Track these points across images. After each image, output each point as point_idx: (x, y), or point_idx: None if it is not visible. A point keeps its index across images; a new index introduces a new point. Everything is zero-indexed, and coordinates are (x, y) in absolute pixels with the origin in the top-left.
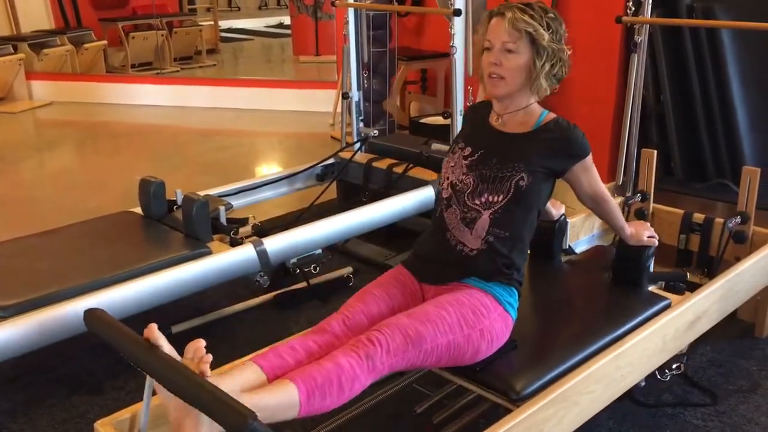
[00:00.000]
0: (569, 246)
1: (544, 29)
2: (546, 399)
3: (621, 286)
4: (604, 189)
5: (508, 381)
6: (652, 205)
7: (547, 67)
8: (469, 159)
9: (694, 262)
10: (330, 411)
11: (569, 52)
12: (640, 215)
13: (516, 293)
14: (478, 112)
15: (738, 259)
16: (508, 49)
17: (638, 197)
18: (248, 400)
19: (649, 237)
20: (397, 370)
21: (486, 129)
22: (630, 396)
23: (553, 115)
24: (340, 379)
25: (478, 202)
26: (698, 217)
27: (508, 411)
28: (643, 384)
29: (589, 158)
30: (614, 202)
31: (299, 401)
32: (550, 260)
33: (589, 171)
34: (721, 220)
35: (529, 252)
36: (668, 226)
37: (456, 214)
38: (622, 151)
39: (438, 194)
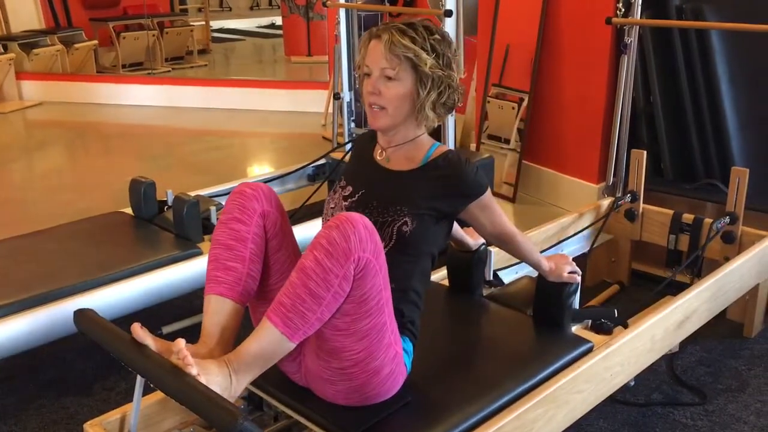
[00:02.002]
0: (495, 275)
1: (427, 53)
2: None
3: (540, 327)
4: (508, 226)
5: None
6: (641, 205)
7: (433, 95)
8: (349, 200)
9: (683, 262)
10: (325, 320)
11: (461, 77)
12: (630, 215)
13: (410, 343)
14: (363, 144)
15: (727, 259)
16: (387, 76)
17: (628, 198)
18: (237, 362)
19: (569, 273)
20: (364, 275)
21: (369, 165)
22: (620, 395)
23: (444, 149)
24: (309, 287)
25: None
26: (687, 217)
27: None
28: (632, 383)
29: (487, 196)
30: (523, 238)
31: (282, 334)
32: (470, 294)
33: (488, 210)
34: (711, 221)
35: (447, 283)
36: (658, 226)
37: None
38: (612, 152)
39: None
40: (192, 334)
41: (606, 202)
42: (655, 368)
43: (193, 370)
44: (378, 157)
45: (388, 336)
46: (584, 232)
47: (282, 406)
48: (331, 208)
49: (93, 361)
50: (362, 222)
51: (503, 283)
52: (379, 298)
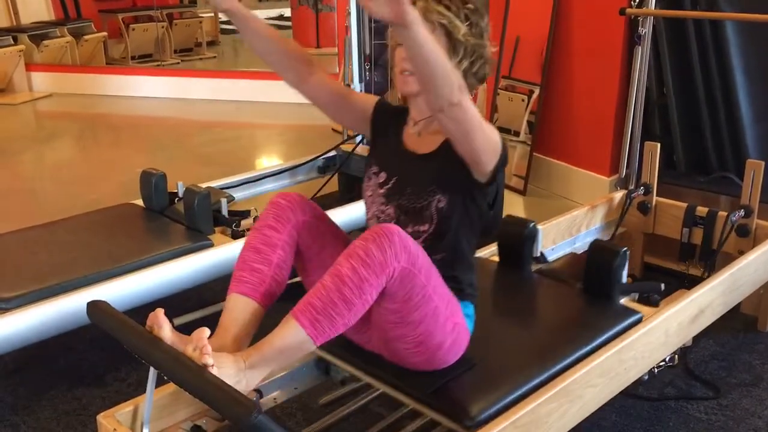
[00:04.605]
0: (541, 253)
1: (460, 21)
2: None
3: (591, 299)
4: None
5: (463, 405)
6: (655, 198)
7: (465, 63)
8: (385, 188)
9: (697, 256)
10: (352, 325)
11: (493, 49)
12: (643, 208)
13: (471, 306)
14: (390, 119)
15: (741, 253)
16: None
17: (641, 190)
18: (259, 355)
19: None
20: (401, 280)
21: (398, 150)
22: (633, 390)
23: None
24: (343, 293)
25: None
26: (701, 210)
27: None
28: (646, 378)
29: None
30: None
31: (307, 335)
32: (520, 269)
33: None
34: (725, 214)
35: (498, 259)
36: (671, 219)
37: None
38: (625, 144)
39: (366, 225)
40: (203, 326)
41: (618, 195)
42: (669, 362)
43: (209, 360)
44: (409, 131)
45: (443, 314)
46: (598, 225)
47: (352, 368)
48: (369, 196)
49: (105, 352)
50: (397, 234)
51: (548, 260)
52: (424, 292)
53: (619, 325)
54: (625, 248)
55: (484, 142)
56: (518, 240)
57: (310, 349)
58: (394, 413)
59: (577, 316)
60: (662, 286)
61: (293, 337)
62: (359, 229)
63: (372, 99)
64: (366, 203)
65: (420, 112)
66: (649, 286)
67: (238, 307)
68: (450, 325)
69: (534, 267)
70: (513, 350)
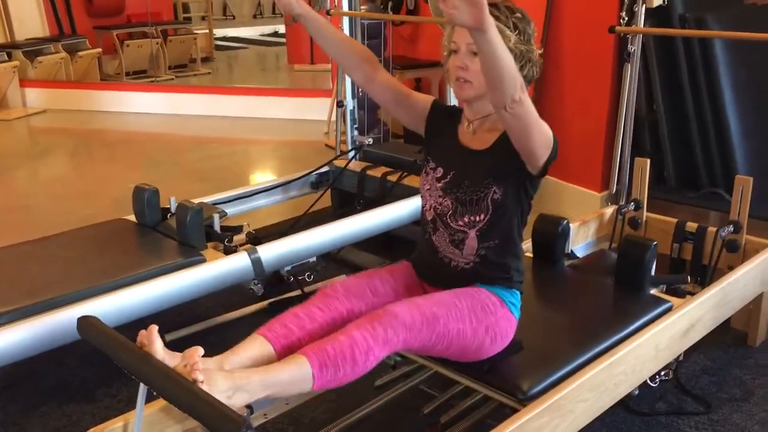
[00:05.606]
0: (571, 250)
1: (510, 30)
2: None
3: (623, 290)
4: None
5: (515, 381)
6: (645, 213)
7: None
8: (443, 181)
9: (687, 271)
10: (341, 386)
11: (539, 52)
12: (634, 224)
13: (518, 293)
14: (444, 119)
15: (731, 268)
16: (474, 51)
17: (631, 206)
18: (260, 377)
19: None
20: (408, 347)
21: (454, 146)
22: (623, 404)
23: None
24: (354, 352)
25: (461, 223)
26: (691, 225)
27: (515, 411)
28: (636, 392)
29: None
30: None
31: (312, 375)
32: (553, 264)
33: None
34: (714, 229)
35: (532, 255)
36: (661, 234)
37: (444, 237)
38: (615, 160)
39: (422, 215)
40: (195, 342)
41: (609, 211)
42: (656, 375)
43: (199, 376)
44: (464, 132)
45: (470, 328)
46: (589, 240)
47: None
48: (427, 189)
49: (95, 368)
50: (396, 316)
51: (577, 257)
52: (436, 333)
53: (652, 312)
54: (655, 242)
55: (540, 137)
56: (552, 237)
57: (305, 390)
58: (445, 393)
59: (614, 305)
60: (688, 278)
61: (298, 371)
62: (413, 223)
63: (429, 99)
64: (423, 196)
65: (474, 113)
66: (676, 278)
67: (253, 344)
68: (482, 329)
69: (566, 262)
70: (558, 334)
